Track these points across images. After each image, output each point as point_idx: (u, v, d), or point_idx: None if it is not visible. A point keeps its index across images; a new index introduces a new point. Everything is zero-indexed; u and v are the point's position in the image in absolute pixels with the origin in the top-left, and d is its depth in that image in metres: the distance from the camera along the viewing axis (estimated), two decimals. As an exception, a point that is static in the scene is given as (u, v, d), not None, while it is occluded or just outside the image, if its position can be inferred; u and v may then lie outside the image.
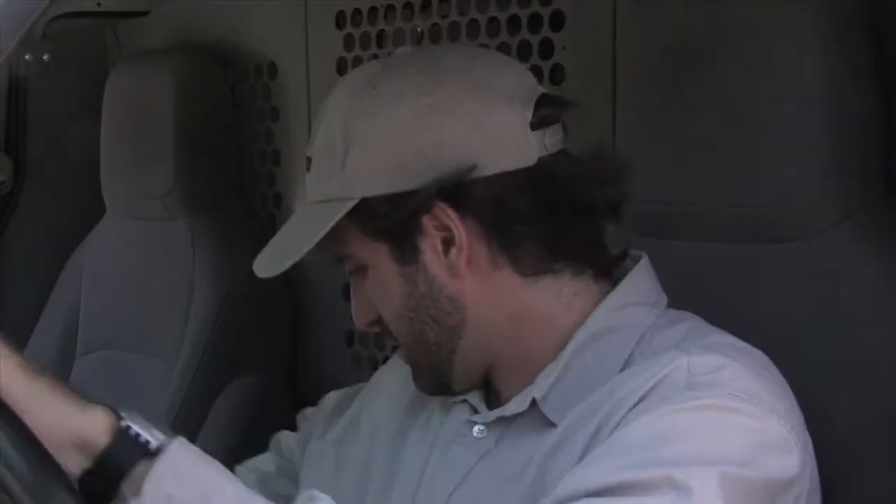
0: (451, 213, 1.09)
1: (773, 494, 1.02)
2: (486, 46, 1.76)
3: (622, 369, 1.09)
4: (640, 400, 1.03)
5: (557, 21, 1.68)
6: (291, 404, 2.03)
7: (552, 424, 1.10)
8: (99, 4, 2.26)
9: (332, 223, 1.10)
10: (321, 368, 2.09)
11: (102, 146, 2.18)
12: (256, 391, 2.00)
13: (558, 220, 1.11)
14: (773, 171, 1.17)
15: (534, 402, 1.11)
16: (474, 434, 1.15)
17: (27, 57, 2.32)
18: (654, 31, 1.28)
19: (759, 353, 1.10)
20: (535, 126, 1.10)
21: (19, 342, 2.28)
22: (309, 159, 1.16)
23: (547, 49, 1.69)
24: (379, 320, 1.17)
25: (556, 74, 1.69)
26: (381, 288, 1.14)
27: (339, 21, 2.01)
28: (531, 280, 1.12)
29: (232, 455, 1.93)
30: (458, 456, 1.15)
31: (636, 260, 1.17)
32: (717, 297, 1.23)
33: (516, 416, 1.13)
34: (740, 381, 1.03)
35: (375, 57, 1.95)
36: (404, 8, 1.89)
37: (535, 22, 1.71)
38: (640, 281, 1.16)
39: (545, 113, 1.11)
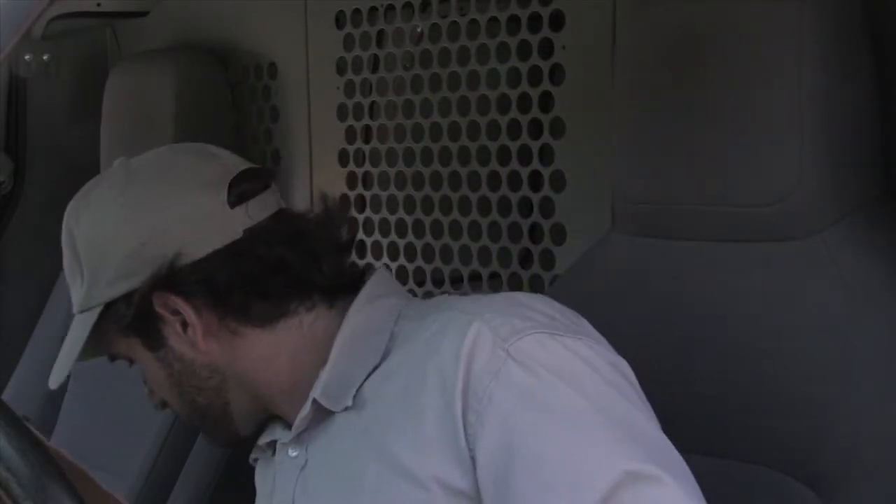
0: (174, 298, 1.19)
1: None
2: (486, 46, 1.76)
3: (389, 341, 1.17)
4: (467, 375, 1.06)
5: (557, 21, 1.68)
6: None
7: (351, 410, 1.16)
8: (99, 4, 2.27)
9: (87, 331, 1.22)
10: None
11: (102, 146, 2.18)
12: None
13: (270, 276, 1.20)
14: (773, 171, 1.17)
15: (315, 402, 1.18)
16: (290, 455, 1.23)
17: (27, 57, 2.32)
18: (654, 31, 1.28)
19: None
20: (233, 204, 1.20)
21: (19, 342, 2.31)
22: None
23: (547, 49, 1.69)
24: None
25: (556, 74, 1.69)
26: (149, 374, 1.26)
27: (339, 21, 2.01)
28: (270, 327, 1.21)
29: (231, 455, 1.95)
30: (283, 481, 1.23)
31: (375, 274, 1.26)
32: (716, 296, 1.23)
33: (314, 423, 1.20)
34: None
35: (375, 57, 1.96)
36: (404, 8, 1.89)
37: (534, 22, 1.71)
38: (383, 280, 1.25)
39: (242, 189, 1.21)
